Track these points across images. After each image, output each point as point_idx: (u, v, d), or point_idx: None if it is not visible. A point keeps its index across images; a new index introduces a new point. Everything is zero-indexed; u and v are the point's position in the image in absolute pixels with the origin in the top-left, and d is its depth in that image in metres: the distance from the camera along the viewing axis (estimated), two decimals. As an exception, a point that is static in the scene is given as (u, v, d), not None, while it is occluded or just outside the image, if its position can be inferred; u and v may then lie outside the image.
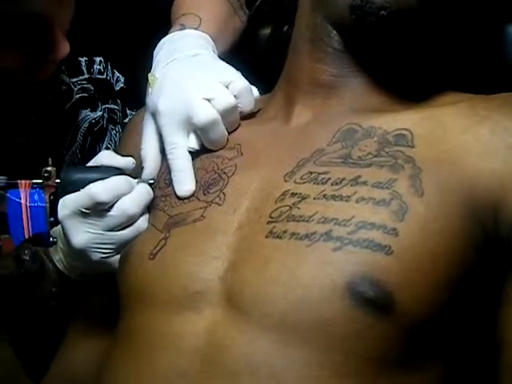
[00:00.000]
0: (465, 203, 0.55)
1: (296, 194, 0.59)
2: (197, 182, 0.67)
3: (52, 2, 0.69)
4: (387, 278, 0.52)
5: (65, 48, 0.73)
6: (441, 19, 0.65)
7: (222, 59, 0.77)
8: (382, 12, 0.60)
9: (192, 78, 0.70)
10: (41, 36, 0.71)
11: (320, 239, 0.54)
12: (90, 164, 0.71)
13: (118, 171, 0.68)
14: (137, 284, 0.64)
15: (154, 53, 0.78)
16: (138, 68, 0.90)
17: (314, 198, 0.57)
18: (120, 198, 0.67)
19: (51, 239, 0.73)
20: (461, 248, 0.55)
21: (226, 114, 0.68)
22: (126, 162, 0.70)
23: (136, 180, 0.69)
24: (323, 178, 0.59)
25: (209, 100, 0.67)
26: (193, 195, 0.66)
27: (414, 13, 0.61)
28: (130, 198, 0.67)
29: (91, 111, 0.88)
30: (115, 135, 0.91)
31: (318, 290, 0.53)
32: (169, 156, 0.69)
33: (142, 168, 0.71)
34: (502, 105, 0.60)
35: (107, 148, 0.89)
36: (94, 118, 0.88)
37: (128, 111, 0.94)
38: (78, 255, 0.70)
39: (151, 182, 0.70)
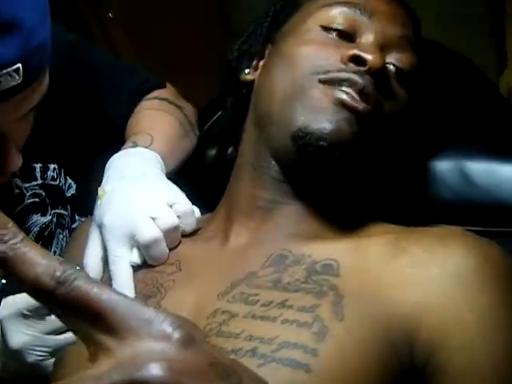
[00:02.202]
0: (382, 331, 0.58)
1: (227, 311, 0.62)
2: (136, 294, 0.69)
3: (8, 119, 0.70)
4: None
5: (17, 163, 0.74)
6: (373, 153, 0.71)
7: (169, 178, 0.81)
8: (322, 142, 0.66)
9: (139, 196, 0.74)
10: None
11: (246, 355, 0.57)
12: None
13: None
14: None
15: (106, 166, 0.81)
16: (89, 177, 0.93)
17: (243, 317, 0.60)
18: None
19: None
20: (377, 371, 0.57)
21: (168, 233, 0.71)
22: None
23: None
24: (253, 299, 0.62)
25: (153, 218, 0.71)
26: None
27: (350, 145, 0.67)
28: None
29: (41, 216, 0.89)
30: (62, 239, 0.92)
31: None
32: (111, 267, 0.71)
33: None
34: (422, 238, 0.64)
35: (54, 252, 0.90)
36: (44, 223, 0.90)
37: (77, 217, 0.96)
38: (14, 355, 0.70)
39: None
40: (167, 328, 0.31)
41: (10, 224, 0.33)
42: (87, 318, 0.31)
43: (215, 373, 0.32)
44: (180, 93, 1.08)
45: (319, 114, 0.67)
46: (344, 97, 0.67)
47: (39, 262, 0.32)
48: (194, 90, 1.53)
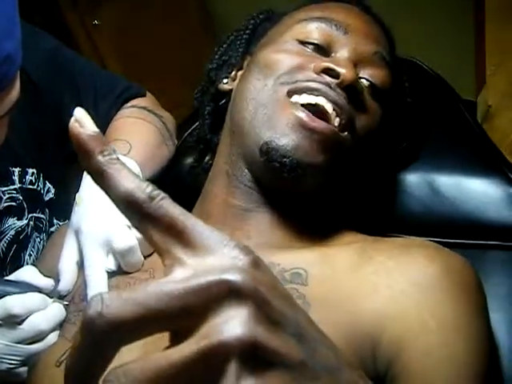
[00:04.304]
0: (347, 339, 0.57)
1: None
2: None
3: None
4: None
5: None
6: (343, 168, 0.70)
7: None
8: (285, 159, 0.65)
9: None
10: None
11: None
12: (10, 277, 0.70)
13: (36, 289, 0.68)
14: None
15: (84, 173, 0.79)
16: (68, 182, 0.90)
17: None
18: (33, 314, 0.66)
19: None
20: None
21: (143, 241, 0.68)
22: (46, 283, 0.70)
23: (52, 300, 0.69)
24: None
25: (129, 227, 0.69)
26: None
27: (313, 164, 0.66)
28: (43, 314, 0.66)
29: (17, 220, 0.86)
30: (39, 243, 0.88)
31: None
32: (86, 272, 0.69)
33: (59, 281, 0.70)
34: (387, 247, 0.64)
35: (30, 256, 0.87)
36: (20, 226, 0.86)
37: (55, 220, 0.93)
38: None
39: (66, 303, 0.69)
40: (239, 251, 0.33)
41: (110, 144, 0.34)
42: (170, 233, 0.33)
43: (280, 293, 0.34)
44: (165, 100, 1.06)
45: (282, 131, 0.66)
46: (302, 116, 0.66)
47: (132, 178, 0.34)
48: (177, 98, 1.51)
